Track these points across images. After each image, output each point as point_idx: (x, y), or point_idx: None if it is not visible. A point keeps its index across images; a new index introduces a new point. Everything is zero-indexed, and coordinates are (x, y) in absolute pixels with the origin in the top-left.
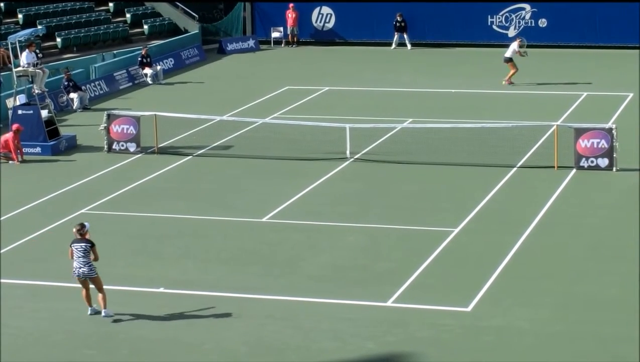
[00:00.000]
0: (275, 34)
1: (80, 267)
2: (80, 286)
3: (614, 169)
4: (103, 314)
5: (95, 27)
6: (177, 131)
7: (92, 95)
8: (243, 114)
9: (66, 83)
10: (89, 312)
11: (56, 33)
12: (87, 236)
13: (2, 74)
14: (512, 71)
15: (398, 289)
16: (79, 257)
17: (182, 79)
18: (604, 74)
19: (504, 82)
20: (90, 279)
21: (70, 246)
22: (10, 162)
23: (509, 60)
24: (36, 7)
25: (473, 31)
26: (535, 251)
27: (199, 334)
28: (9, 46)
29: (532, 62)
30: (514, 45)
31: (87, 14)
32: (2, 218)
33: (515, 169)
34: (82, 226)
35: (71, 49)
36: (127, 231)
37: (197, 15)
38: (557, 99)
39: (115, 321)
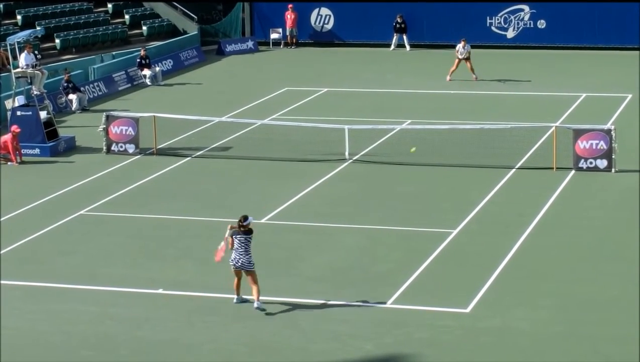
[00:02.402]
0: (274, 35)
1: (239, 259)
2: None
3: (613, 170)
4: (255, 305)
5: (94, 29)
6: (176, 132)
7: (91, 96)
8: (242, 115)
9: (65, 84)
10: (234, 301)
11: (55, 34)
12: (249, 228)
13: (1, 75)
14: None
15: (397, 290)
16: (239, 248)
17: (181, 80)
18: (602, 75)
19: (447, 79)
20: (246, 272)
21: (232, 236)
22: (9, 163)
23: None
24: (35, 8)
25: (472, 32)
26: (534, 252)
27: (198, 335)
28: (8, 47)
29: (531, 63)
30: (465, 47)
31: (86, 15)
32: (1, 219)
33: (514, 170)
34: (245, 217)
35: (70, 50)
36: (126, 232)
37: (196, 17)
38: (555, 100)
39: (115, 322)
